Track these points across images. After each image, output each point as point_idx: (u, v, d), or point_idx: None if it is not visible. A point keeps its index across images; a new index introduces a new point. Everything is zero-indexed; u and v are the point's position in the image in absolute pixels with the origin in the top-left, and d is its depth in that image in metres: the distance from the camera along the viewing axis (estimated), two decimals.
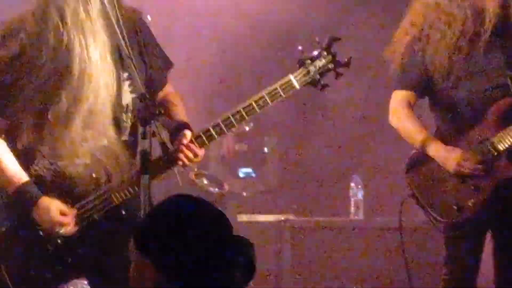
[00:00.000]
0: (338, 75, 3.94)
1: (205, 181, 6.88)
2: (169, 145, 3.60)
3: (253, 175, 7.76)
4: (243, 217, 6.77)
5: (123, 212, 3.77)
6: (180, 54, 6.06)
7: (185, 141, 3.75)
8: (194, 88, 7.05)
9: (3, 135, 3.80)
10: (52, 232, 3.73)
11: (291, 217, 6.60)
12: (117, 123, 3.78)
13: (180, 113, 3.93)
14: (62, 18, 3.70)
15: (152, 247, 2.44)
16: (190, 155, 3.76)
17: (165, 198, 2.54)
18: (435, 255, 4.99)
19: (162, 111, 3.47)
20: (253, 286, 2.62)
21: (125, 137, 3.82)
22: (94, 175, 3.75)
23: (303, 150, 7.86)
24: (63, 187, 3.76)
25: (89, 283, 3.91)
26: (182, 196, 2.55)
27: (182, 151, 3.75)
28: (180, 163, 3.76)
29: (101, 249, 3.78)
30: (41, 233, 3.74)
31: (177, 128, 3.80)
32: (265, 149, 7.84)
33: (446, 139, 4.39)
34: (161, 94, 3.97)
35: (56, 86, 3.70)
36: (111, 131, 3.76)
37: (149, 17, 3.99)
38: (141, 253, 2.45)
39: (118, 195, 3.74)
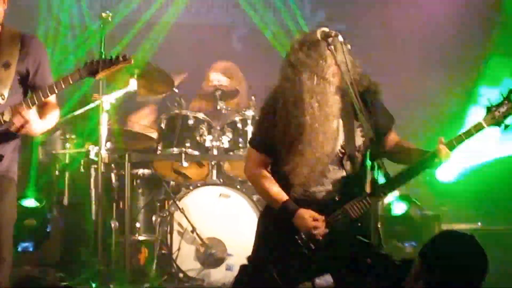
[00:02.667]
0: None
1: None
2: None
3: None
4: None
5: (359, 224, 5.02)
6: None
7: None
8: None
9: (268, 168, 5.18)
10: (309, 234, 4.98)
11: None
12: (352, 159, 5.07)
13: (412, 147, 5.16)
14: (302, 84, 4.97)
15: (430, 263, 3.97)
16: None
17: (446, 231, 4.16)
18: None
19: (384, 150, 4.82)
20: None
21: (356, 170, 5.09)
22: (336, 198, 5.04)
23: None
24: (313, 207, 5.03)
25: (335, 279, 5.11)
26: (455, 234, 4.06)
27: None
28: None
29: (343, 252, 5.02)
30: (299, 242, 5.03)
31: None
32: None
33: None
34: (389, 138, 5.22)
35: (298, 136, 4.99)
36: (347, 166, 5.06)
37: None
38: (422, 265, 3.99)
39: (354, 212, 5.02)
